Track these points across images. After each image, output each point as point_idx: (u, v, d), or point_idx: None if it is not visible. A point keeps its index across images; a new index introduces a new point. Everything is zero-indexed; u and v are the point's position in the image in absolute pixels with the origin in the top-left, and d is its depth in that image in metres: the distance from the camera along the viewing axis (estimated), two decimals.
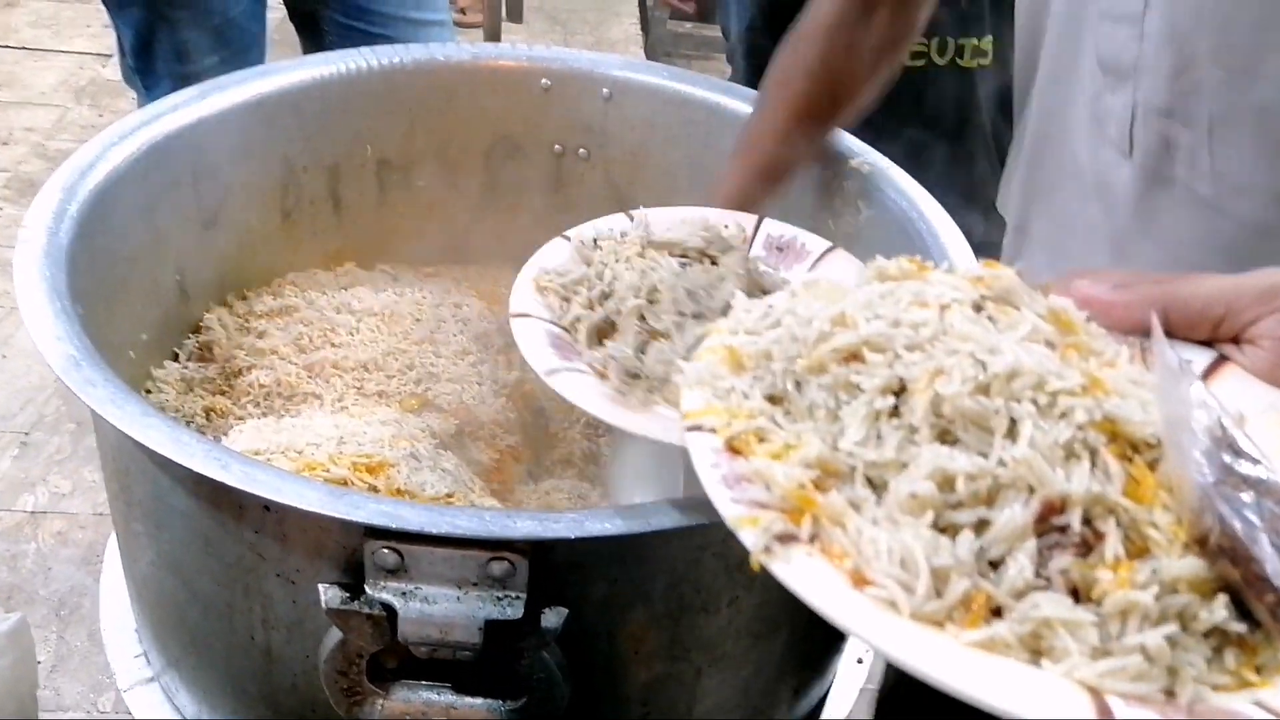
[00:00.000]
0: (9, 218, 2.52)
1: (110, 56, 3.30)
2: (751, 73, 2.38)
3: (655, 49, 3.90)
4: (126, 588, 0.96)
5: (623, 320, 0.74)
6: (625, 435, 0.82)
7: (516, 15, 3.84)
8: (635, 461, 0.97)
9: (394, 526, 0.63)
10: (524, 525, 0.64)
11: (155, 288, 1.07)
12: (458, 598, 0.66)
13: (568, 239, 0.83)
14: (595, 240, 0.82)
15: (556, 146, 1.26)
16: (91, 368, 0.73)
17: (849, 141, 1.11)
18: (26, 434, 1.91)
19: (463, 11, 3.60)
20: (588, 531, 0.65)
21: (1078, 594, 0.41)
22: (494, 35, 3.27)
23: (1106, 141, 0.72)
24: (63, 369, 0.73)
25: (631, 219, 0.87)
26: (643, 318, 0.74)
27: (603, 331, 0.74)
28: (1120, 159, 0.71)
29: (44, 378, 2.04)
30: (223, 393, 1.07)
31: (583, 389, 0.69)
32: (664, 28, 3.96)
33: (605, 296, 0.76)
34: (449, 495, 0.83)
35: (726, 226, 0.89)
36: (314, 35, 1.48)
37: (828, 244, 0.86)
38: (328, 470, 0.80)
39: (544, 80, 1.21)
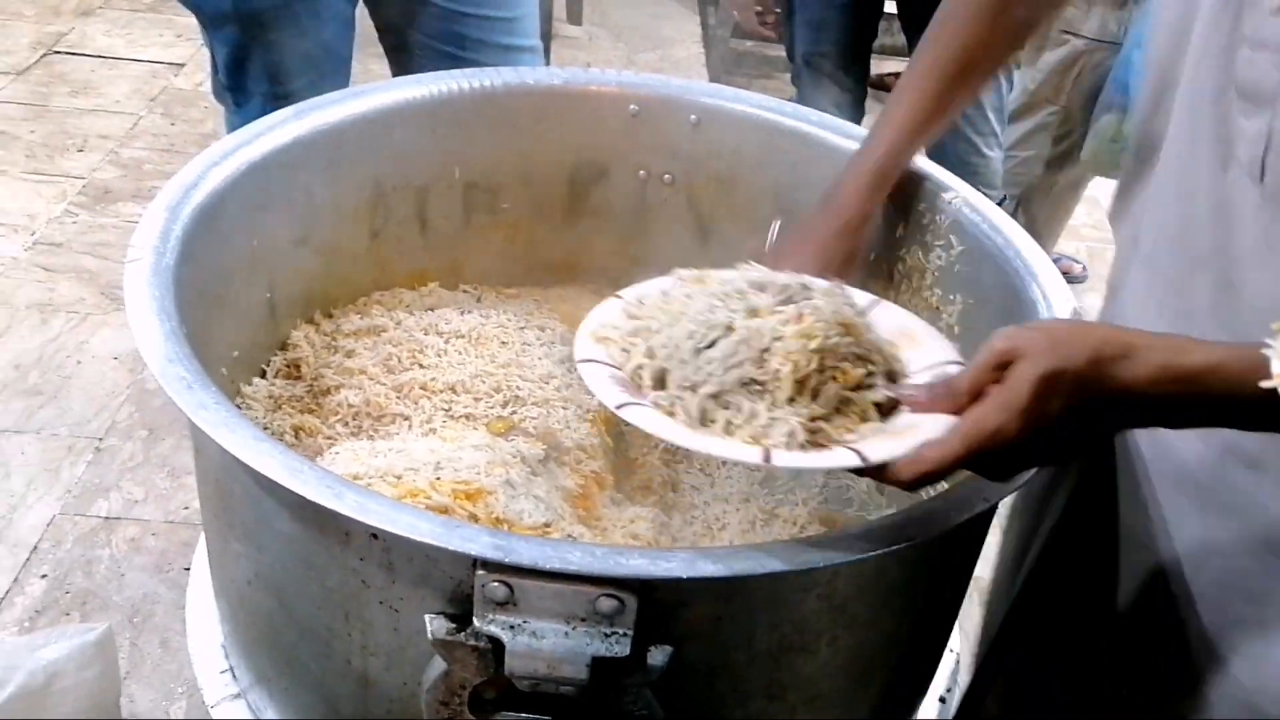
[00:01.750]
0: (84, 224, 2.56)
1: (183, 66, 3.36)
2: (815, 94, 2.39)
3: (717, 67, 3.90)
4: (215, 603, 0.97)
5: (675, 370, 0.77)
6: None
7: (576, 18, 3.85)
8: None
9: (507, 560, 0.63)
10: (635, 563, 0.64)
11: (247, 305, 1.08)
12: (565, 633, 0.66)
13: (619, 298, 0.86)
14: (640, 300, 0.85)
15: (641, 171, 1.26)
16: (203, 390, 0.74)
17: (941, 176, 1.10)
18: (100, 439, 1.94)
19: None
20: (699, 571, 0.64)
21: None
22: (544, 50, 3.28)
23: (1234, 164, 0.71)
24: (175, 391, 0.73)
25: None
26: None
27: (661, 377, 0.77)
28: (1249, 184, 0.71)
29: (117, 384, 2.07)
30: (311, 411, 1.08)
31: (654, 420, 0.73)
32: (725, 46, 3.96)
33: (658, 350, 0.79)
34: (546, 525, 0.83)
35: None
36: (404, 59, 1.50)
37: (873, 297, 0.88)
38: (429, 497, 0.80)
39: (632, 106, 1.21)
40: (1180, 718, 0.80)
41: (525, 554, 0.64)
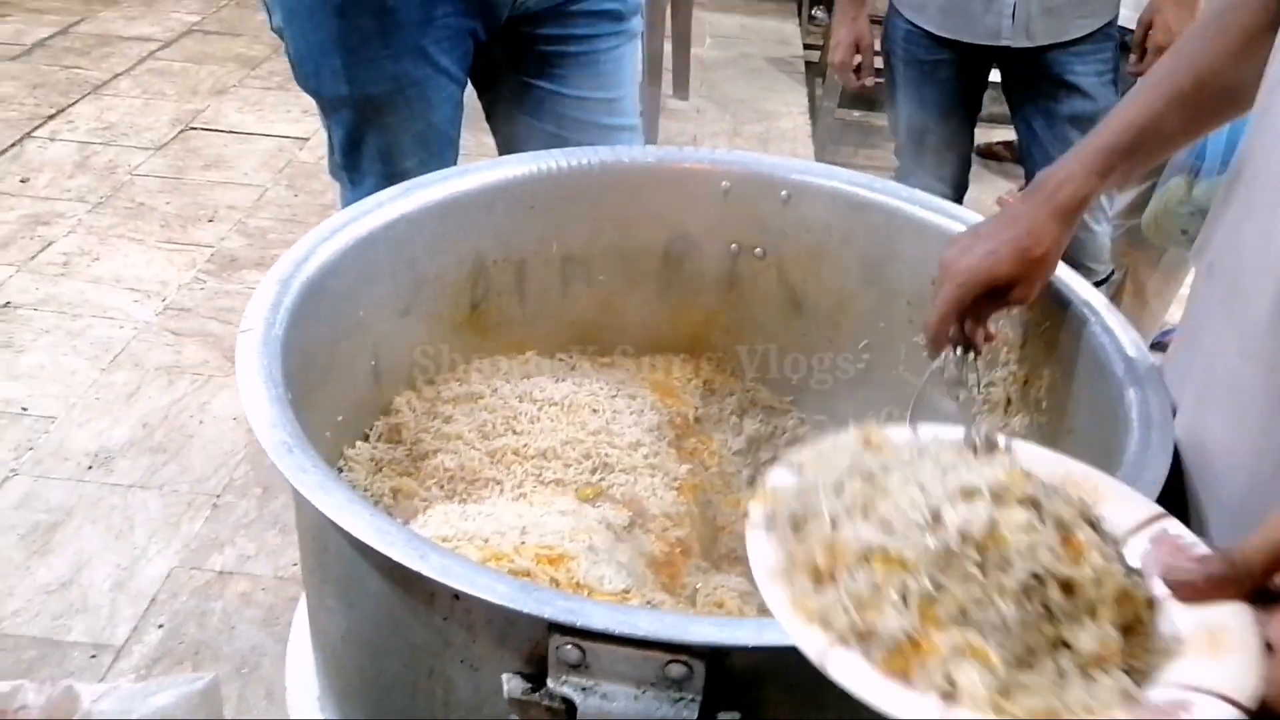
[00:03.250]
0: (212, 290, 2.70)
1: (307, 140, 3.52)
2: (918, 166, 2.40)
3: (823, 138, 3.93)
4: (313, 658, 1.01)
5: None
6: None
7: (683, 91, 3.92)
8: None
9: (579, 624, 0.66)
10: (704, 630, 0.66)
11: (353, 372, 1.14)
12: (635, 696, 0.67)
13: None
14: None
15: (733, 245, 1.29)
16: (302, 453, 0.79)
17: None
18: (218, 496, 2.03)
19: None
20: (767, 640, 0.66)
21: None
22: (652, 125, 3.35)
23: None
24: (277, 454, 0.78)
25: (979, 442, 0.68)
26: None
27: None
28: None
29: (235, 444, 2.17)
30: (409, 474, 1.12)
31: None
32: (832, 118, 3.99)
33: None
34: (626, 591, 0.85)
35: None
36: (509, 137, 1.57)
37: (1003, 438, 0.69)
38: (512, 561, 0.83)
39: (724, 182, 1.25)
40: None
41: (597, 619, 0.66)
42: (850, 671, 0.56)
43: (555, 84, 1.51)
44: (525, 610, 0.67)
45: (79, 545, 1.90)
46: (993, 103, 2.61)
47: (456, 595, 0.71)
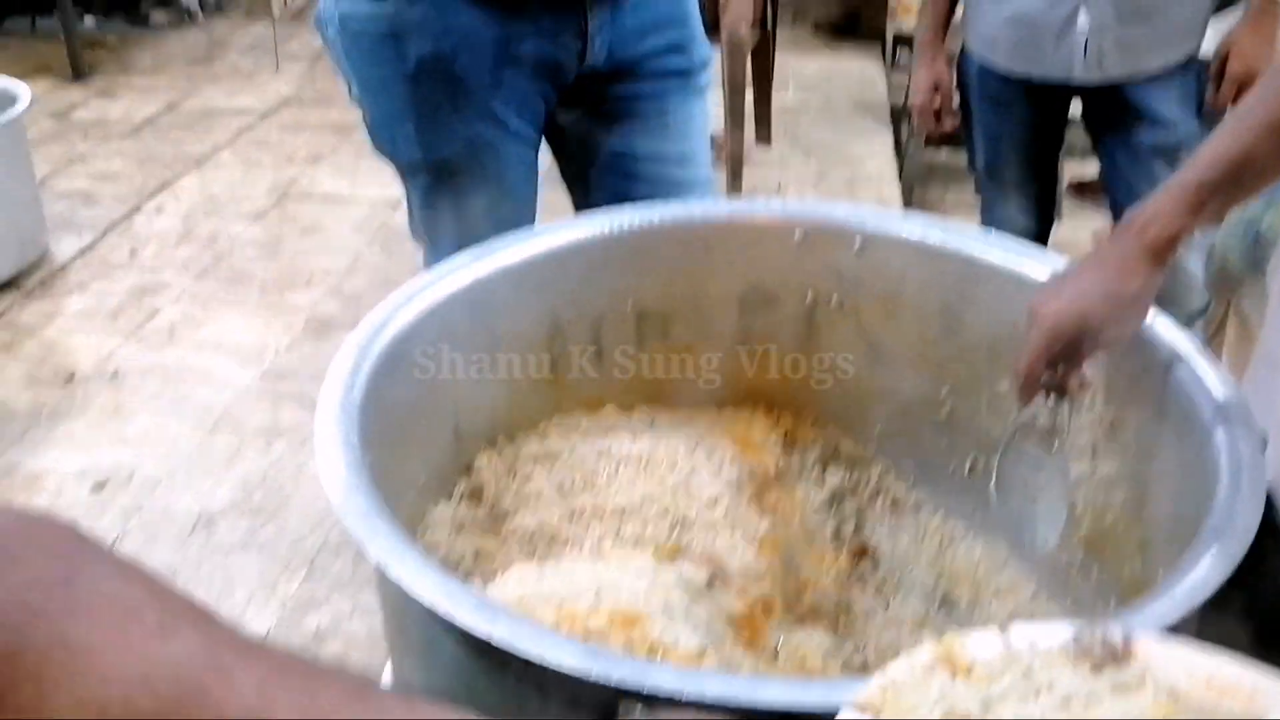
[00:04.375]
0: (308, 353, 2.77)
1: (399, 203, 3.60)
2: (998, 203, 2.36)
3: (910, 179, 3.91)
4: None
5: None
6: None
7: (766, 139, 3.93)
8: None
9: (646, 689, 0.65)
10: (772, 692, 0.65)
11: (433, 433, 1.16)
12: None
13: None
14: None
15: (809, 295, 1.28)
16: (377, 518, 0.80)
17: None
18: (314, 557, 2.08)
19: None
20: (836, 701, 0.64)
21: None
22: (736, 173, 3.35)
23: None
24: (351, 521, 0.80)
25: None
26: None
27: None
28: None
29: (330, 504, 2.20)
30: (490, 534, 1.13)
31: None
32: (919, 159, 3.97)
33: None
34: (701, 652, 0.84)
35: None
36: (584, 193, 1.59)
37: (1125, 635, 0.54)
38: (586, 622, 0.83)
39: (797, 232, 1.25)
40: None
41: (664, 683, 0.66)
42: None
43: (626, 140, 1.53)
44: (592, 676, 0.67)
45: None
46: (1086, 137, 2.57)
47: (526, 661, 0.71)
